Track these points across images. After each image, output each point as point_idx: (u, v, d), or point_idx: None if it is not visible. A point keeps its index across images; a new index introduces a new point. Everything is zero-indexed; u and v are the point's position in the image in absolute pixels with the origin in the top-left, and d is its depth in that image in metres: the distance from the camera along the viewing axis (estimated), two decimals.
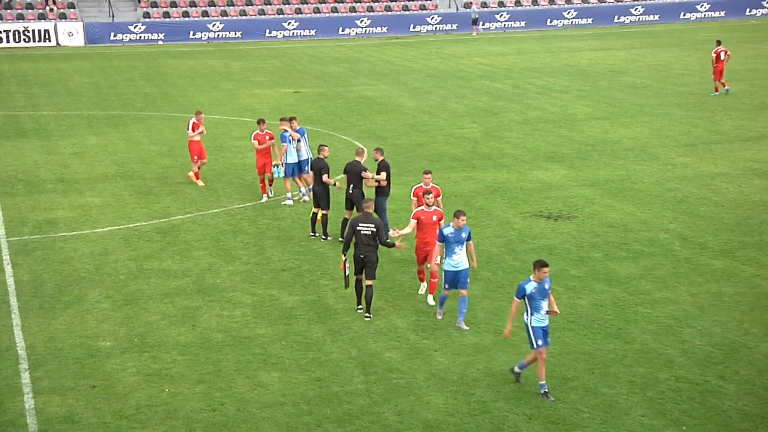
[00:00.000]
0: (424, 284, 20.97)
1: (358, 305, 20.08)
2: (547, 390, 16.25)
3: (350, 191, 23.76)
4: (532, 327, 16.28)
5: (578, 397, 16.22)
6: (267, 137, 28.09)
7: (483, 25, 75.76)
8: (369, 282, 19.66)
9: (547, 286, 16.32)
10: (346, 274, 19.70)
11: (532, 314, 16.27)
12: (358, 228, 19.55)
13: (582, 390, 16.47)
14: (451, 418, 15.65)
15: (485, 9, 78.43)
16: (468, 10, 76.26)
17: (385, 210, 23.89)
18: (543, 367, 16.25)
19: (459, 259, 18.97)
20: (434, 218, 20.11)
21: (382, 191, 23.74)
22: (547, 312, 16.35)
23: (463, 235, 18.94)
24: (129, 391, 16.74)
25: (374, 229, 19.49)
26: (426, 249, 20.30)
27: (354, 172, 23.67)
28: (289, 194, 27.95)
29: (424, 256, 20.44)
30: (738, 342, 18.17)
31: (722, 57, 44.26)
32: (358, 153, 24.13)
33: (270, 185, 28.54)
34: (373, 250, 19.57)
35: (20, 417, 15.90)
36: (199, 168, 30.25)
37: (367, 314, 19.78)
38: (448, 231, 18.96)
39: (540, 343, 16.23)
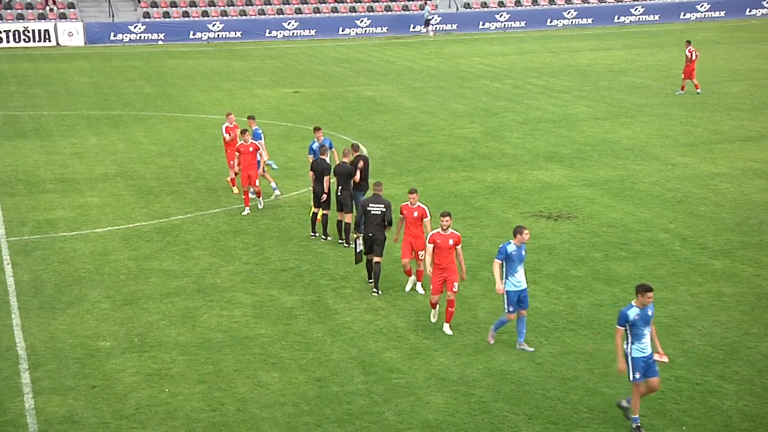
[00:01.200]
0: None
1: (369, 279, 21.58)
2: (639, 425, 15.08)
3: (339, 193, 23.81)
4: (632, 357, 14.98)
5: (578, 397, 16.22)
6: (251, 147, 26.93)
7: (435, 27, 73.71)
8: (377, 259, 21.05)
9: (650, 313, 15.11)
10: (358, 250, 21.33)
11: (632, 343, 14.99)
12: (368, 208, 21.06)
13: (582, 390, 16.47)
14: (451, 418, 15.65)
15: (485, 9, 78.40)
16: (422, 11, 74.46)
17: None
18: (638, 401, 15.08)
19: (521, 278, 17.74)
20: (451, 242, 18.48)
21: (358, 187, 24.25)
22: (653, 358, 15.03)
23: (523, 252, 17.66)
24: (129, 391, 16.74)
25: (384, 209, 21.04)
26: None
27: (342, 174, 23.73)
28: (273, 184, 28.48)
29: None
30: (738, 342, 18.17)
31: (692, 57, 44.71)
32: (345, 154, 24.20)
33: (258, 197, 27.43)
34: (382, 229, 21.05)
35: (20, 417, 15.90)
36: (236, 174, 28.68)
37: (375, 289, 21.04)
38: (511, 248, 17.57)
39: (638, 376, 14.96)
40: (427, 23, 73.33)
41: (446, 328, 18.95)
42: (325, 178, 24.19)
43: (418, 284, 21.08)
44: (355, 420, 15.63)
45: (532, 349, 17.97)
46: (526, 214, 26.58)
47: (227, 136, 29.08)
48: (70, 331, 19.34)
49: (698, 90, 44.84)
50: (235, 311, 20.21)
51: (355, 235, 21.63)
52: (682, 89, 45.16)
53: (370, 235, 21.04)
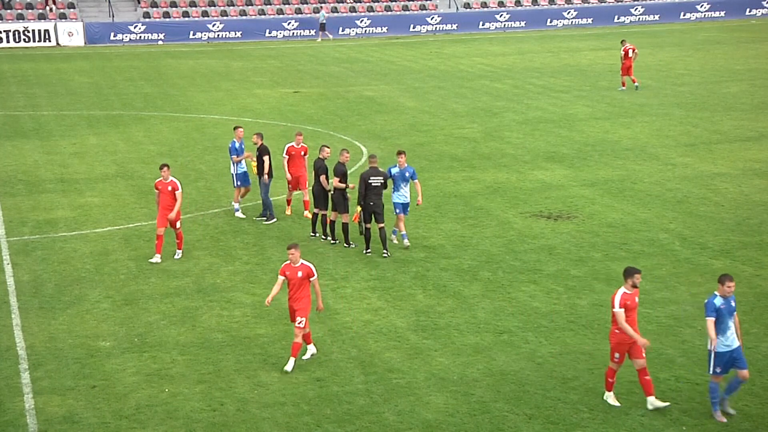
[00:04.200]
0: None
1: (366, 249, 23.29)
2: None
3: (332, 192, 23.86)
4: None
5: (578, 397, 16.22)
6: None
7: (328, 32, 72.40)
8: (381, 225, 23.14)
9: (733, 303, 14.91)
10: (361, 221, 23.14)
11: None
12: (369, 180, 22.90)
13: (582, 390, 16.47)
14: (451, 418, 15.65)
15: (485, 9, 78.40)
16: (317, 14, 73.46)
17: (267, 190, 26.10)
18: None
19: (732, 335, 15.35)
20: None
21: (265, 172, 25.65)
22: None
23: (733, 303, 15.46)
24: (129, 391, 16.74)
25: (383, 181, 23.05)
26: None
27: (337, 174, 23.80)
28: (236, 205, 26.93)
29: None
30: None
31: (630, 54, 45.92)
32: (342, 155, 24.19)
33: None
34: (381, 198, 23.08)
35: (20, 417, 15.90)
36: (294, 189, 26.83)
37: (385, 252, 23.14)
38: (719, 302, 15.26)
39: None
40: (322, 27, 71.90)
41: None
42: (321, 177, 24.14)
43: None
44: (355, 420, 15.63)
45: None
46: (526, 214, 26.58)
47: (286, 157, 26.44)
48: (70, 331, 19.34)
49: (623, 87, 46.36)
50: (235, 311, 20.21)
51: (358, 208, 23.16)
52: (623, 85, 46.50)
53: (371, 204, 22.92)
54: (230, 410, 16.02)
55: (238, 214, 26.80)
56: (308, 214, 25.93)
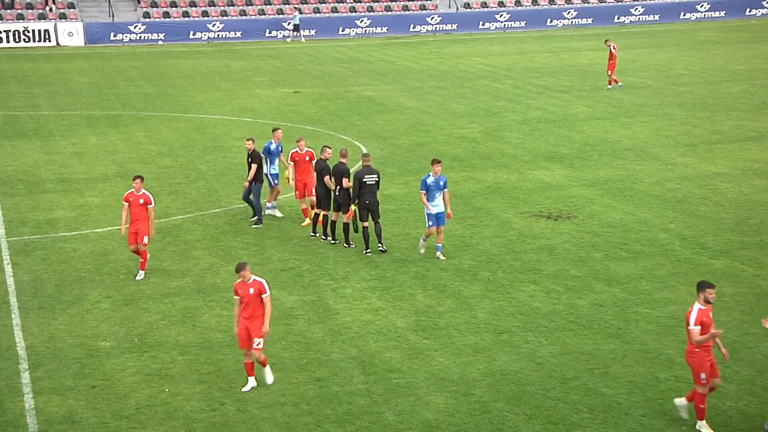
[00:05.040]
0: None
1: (366, 249, 23.40)
2: None
3: (337, 193, 23.81)
4: None
5: (578, 397, 16.22)
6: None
7: (301, 33, 71.28)
8: (377, 221, 23.35)
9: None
10: (357, 220, 23.44)
11: None
12: (364, 179, 23.07)
13: (582, 390, 16.46)
14: (451, 418, 15.65)
15: (485, 9, 78.41)
16: (291, 15, 72.78)
17: (258, 195, 25.98)
18: None
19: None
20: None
21: (255, 178, 25.58)
22: None
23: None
24: (129, 391, 16.74)
25: (377, 179, 23.29)
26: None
27: (338, 174, 23.74)
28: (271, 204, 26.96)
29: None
30: (738, 342, 18.15)
31: (613, 53, 46.70)
32: (343, 155, 24.16)
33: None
34: (376, 196, 23.23)
35: (20, 417, 15.90)
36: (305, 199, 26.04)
37: (381, 246, 23.45)
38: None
39: None
40: (296, 28, 71.24)
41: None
42: (326, 178, 24.14)
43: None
44: (355, 420, 15.63)
45: None
46: (526, 214, 26.58)
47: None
48: (70, 331, 19.34)
49: (610, 85, 46.80)
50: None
51: (353, 207, 23.39)
52: (609, 84, 46.93)
53: (367, 202, 23.09)
54: (230, 410, 16.02)
55: (276, 213, 26.80)
56: (308, 222, 25.59)
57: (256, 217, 26.07)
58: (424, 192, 22.68)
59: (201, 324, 19.57)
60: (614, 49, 46.61)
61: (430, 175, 22.71)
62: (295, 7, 74.10)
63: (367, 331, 19.08)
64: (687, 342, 14.95)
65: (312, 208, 25.32)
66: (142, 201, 21.79)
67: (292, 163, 25.62)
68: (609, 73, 47.07)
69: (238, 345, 16.88)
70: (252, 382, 16.69)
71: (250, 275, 16.49)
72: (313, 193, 24.99)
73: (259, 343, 16.46)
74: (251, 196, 25.91)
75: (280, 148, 26.62)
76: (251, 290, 16.44)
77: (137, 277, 22.11)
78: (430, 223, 22.80)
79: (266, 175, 26.43)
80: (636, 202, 27.53)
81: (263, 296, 16.45)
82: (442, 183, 22.73)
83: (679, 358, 17.54)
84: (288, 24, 72.05)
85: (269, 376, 16.85)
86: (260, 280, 16.54)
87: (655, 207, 27.05)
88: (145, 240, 21.91)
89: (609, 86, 46.87)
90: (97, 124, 40.47)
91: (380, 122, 39.92)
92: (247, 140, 25.98)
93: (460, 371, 17.26)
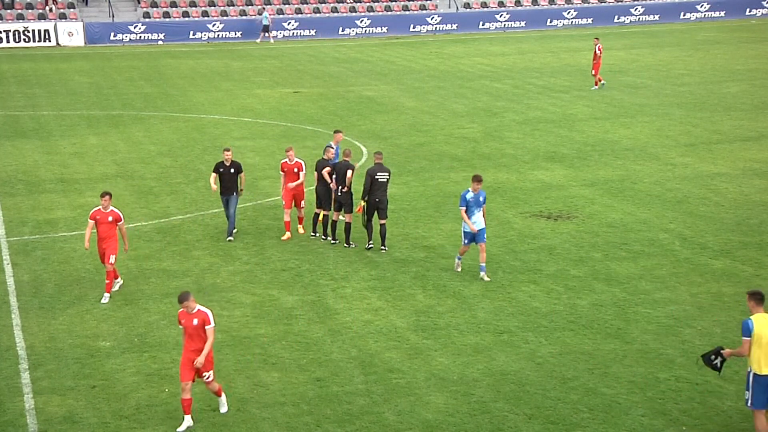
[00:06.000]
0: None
1: (368, 242, 23.66)
2: None
3: (339, 192, 23.79)
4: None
5: (578, 397, 16.22)
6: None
7: (270, 34, 70.68)
8: (383, 221, 23.45)
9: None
10: (364, 214, 23.49)
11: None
12: (376, 177, 23.24)
13: (582, 390, 16.46)
14: (451, 418, 15.65)
15: (485, 9, 78.37)
16: (260, 15, 71.87)
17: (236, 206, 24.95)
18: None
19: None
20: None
21: (235, 189, 24.60)
22: None
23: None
24: (129, 391, 16.74)
25: (388, 177, 23.51)
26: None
27: (340, 172, 23.72)
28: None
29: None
30: (738, 342, 18.11)
31: (598, 52, 46.99)
32: (346, 154, 24.15)
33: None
34: (386, 194, 23.45)
35: (20, 417, 15.91)
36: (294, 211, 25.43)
37: (383, 247, 23.51)
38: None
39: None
40: (266, 29, 70.65)
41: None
42: (324, 171, 23.99)
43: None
44: (355, 420, 15.63)
45: None
46: (526, 214, 26.58)
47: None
48: (70, 331, 19.34)
49: (596, 86, 46.97)
50: (235, 311, 20.21)
51: (362, 203, 23.46)
52: (596, 84, 47.08)
53: (377, 200, 23.24)
54: (230, 410, 16.01)
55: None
56: (288, 236, 24.80)
57: (235, 231, 24.99)
58: (464, 208, 21.51)
59: None
60: (599, 50, 46.73)
61: (469, 191, 21.55)
62: (264, 8, 73.85)
63: (367, 331, 19.08)
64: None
65: (299, 222, 25.07)
66: (111, 218, 20.81)
67: (282, 173, 24.75)
68: (593, 73, 47.35)
69: (180, 377, 15.56)
70: (188, 421, 15.43)
71: (194, 305, 15.41)
72: (302, 205, 24.82)
73: (209, 376, 15.52)
74: (233, 208, 24.61)
75: (338, 150, 25.76)
76: (195, 321, 15.37)
77: (102, 301, 20.72)
78: (466, 241, 21.73)
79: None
80: (636, 202, 27.53)
81: (207, 327, 15.35)
82: (481, 199, 21.57)
83: (679, 358, 17.55)
84: (266, 21, 71.46)
85: (223, 406, 15.93)
86: (205, 311, 15.47)
87: (655, 207, 27.06)
88: (112, 259, 20.71)
89: (595, 86, 46.98)
90: (97, 124, 40.47)
91: (380, 122, 39.92)
92: (226, 150, 24.71)
93: (460, 371, 17.26)
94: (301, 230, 25.24)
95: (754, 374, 14.31)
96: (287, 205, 24.73)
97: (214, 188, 24.76)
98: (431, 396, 16.38)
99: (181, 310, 15.48)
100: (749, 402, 14.46)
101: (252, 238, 25.06)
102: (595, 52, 46.96)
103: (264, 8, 73.53)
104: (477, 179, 21.59)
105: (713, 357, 14.77)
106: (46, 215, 27.34)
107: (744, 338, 14.30)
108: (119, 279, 21.51)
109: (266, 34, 70.72)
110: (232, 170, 24.45)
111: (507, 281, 21.54)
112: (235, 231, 25.03)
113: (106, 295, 20.88)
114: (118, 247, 21.07)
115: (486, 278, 21.59)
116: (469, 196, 21.52)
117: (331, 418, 15.71)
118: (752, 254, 23.12)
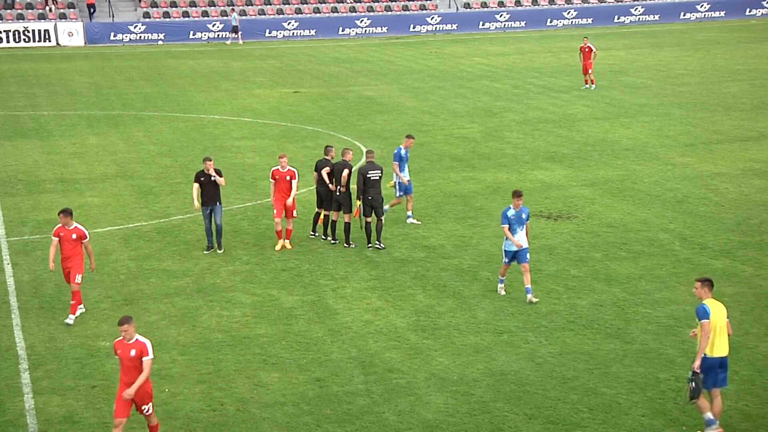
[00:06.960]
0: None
1: (368, 244, 23.68)
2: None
3: (338, 192, 23.77)
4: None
5: (578, 397, 16.22)
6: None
7: (240, 34, 70.14)
8: (380, 218, 23.51)
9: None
10: (361, 216, 23.40)
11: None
12: (368, 175, 23.21)
13: (582, 390, 16.47)
14: (451, 418, 15.65)
15: (485, 9, 78.37)
16: (229, 17, 71.50)
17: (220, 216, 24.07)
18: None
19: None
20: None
21: (218, 199, 23.60)
22: None
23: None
24: None
25: (380, 174, 23.44)
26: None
27: (339, 171, 23.71)
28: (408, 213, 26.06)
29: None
30: (738, 342, 18.13)
31: (592, 52, 47.04)
32: (344, 153, 24.13)
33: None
34: (380, 192, 23.41)
35: (20, 417, 15.91)
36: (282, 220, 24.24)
37: (379, 243, 23.62)
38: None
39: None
40: (234, 30, 70.25)
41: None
42: (323, 170, 23.98)
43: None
44: (355, 420, 15.63)
45: None
46: None
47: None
48: (70, 331, 19.33)
49: (587, 85, 47.10)
50: (235, 311, 20.21)
51: (358, 203, 23.44)
52: (587, 84, 47.09)
53: (370, 198, 23.22)
54: (230, 410, 16.02)
55: (411, 220, 25.83)
56: (281, 246, 24.03)
57: (219, 241, 23.92)
58: (507, 226, 19.97)
59: (201, 324, 19.57)
60: (588, 50, 46.57)
61: (510, 208, 20.04)
62: (233, 8, 73.64)
63: (367, 331, 19.08)
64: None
65: (286, 236, 24.13)
66: (75, 236, 19.55)
67: (272, 181, 23.87)
68: (586, 72, 47.20)
69: (114, 413, 14.51)
70: None
71: (133, 333, 14.29)
72: (295, 206, 24.15)
73: (148, 410, 14.59)
74: (219, 219, 23.73)
75: (407, 154, 25.71)
76: (132, 352, 14.21)
77: (66, 321, 19.52)
78: (506, 260, 20.32)
79: (397, 183, 25.54)
80: (636, 202, 27.53)
81: (144, 359, 14.20)
82: (524, 216, 20.09)
83: (679, 358, 17.55)
84: (234, 22, 70.96)
85: None
86: (143, 341, 14.30)
87: (655, 207, 27.06)
88: (78, 279, 19.43)
89: (586, 86, 46.94)
90: (97, 124, 40.47)
91: (380, 122, 39.92)
92: (208, 160, 23.90)
93: (460, 371, 17.26)
94: (288, 245, 24.00)
95: (704, 356, 14.64)
96: (278, 213, 23.85)
97: (197, 206, 23.67)
98: (431, 396, 16.38)
99: (119, 339, 14.44)
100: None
101: (252, 238, 25.05)
102: (585, 52, 46.66)
103: (232, 9, 73.26)
104: (517, 194, 19.95)
105: (693, 384, 14.68)
106: (46, 215, 27.32)
107: (703, 321, 14.59)
108: (82, 306, 19.90)
109: (235, 35, 70.54)
110: (213, 179, 23.53)
111: (507, 281, 21.51)
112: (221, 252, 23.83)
113: (71, 316, 19.55)
114: (84, 265, 19.71)
115: (534, 300, 20.15)
116: (511, 213, 19.97)
117: (331, 418, 15.71)
118: (752, 254, 23.12)
